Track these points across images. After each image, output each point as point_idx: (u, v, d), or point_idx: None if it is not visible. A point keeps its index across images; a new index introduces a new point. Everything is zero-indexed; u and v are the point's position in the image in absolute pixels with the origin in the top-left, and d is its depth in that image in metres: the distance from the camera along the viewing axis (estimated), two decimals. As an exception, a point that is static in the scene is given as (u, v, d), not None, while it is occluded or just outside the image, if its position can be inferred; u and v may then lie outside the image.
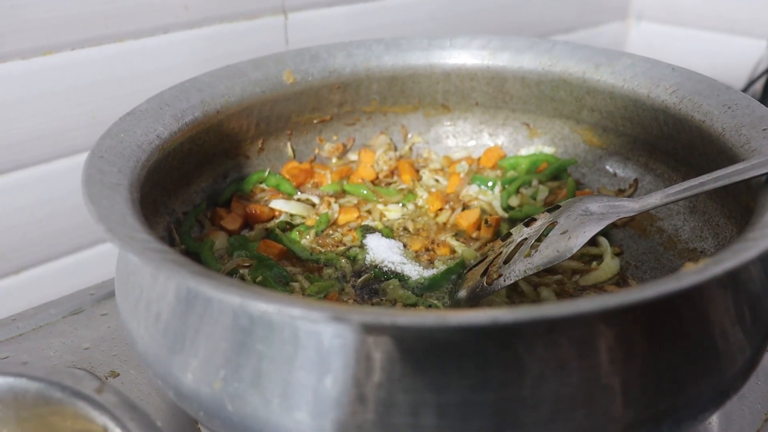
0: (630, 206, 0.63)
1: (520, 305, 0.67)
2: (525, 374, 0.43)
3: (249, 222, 0.79)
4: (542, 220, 0.67)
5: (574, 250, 0.60)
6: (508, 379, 0.42)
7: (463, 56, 0.87)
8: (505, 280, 0.63)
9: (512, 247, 0.66)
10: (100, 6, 0.83)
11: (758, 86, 1.24)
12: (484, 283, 0.65)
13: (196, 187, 0.78)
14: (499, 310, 0.37)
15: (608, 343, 0.44)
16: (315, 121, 0.87)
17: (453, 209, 0.82)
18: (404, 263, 0.72)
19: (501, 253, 0.67)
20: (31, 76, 0.82)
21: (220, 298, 0.45)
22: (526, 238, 0.66)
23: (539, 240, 0.65)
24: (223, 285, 0.41)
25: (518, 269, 0.63)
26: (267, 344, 0.44)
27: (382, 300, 0.68)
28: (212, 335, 0.47)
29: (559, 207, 0.68)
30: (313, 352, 0.43)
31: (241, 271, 0.69)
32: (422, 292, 0.69)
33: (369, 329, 0.41)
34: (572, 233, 0.61)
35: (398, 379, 0.42)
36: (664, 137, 0.76)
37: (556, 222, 0.64)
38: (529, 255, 0.63)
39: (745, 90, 1.26)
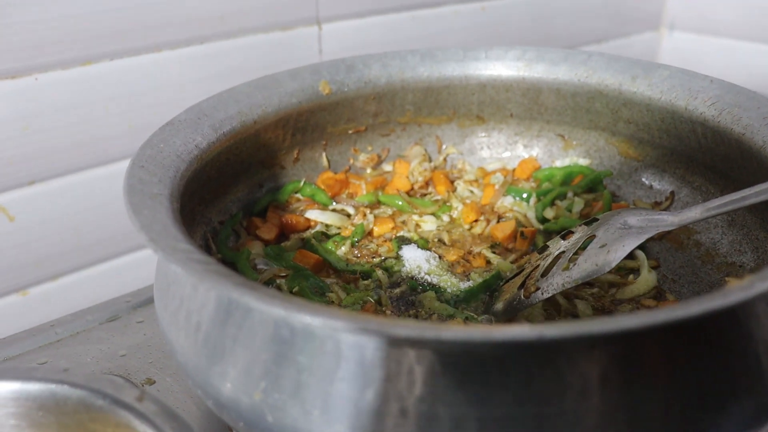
0: (669, 220, 0.62)
1: (564, 320, 0.67)
2: (567, 389, 0.42)
3: (285, 232, 0.79)
4: (580, 233, 0.67)
5: (613, 264, 0.60)
6: (550, 394, 0.42)
7: (499, 67, 0.87)
8: (542, 294, 0.63)
9: (550, 260, 0.66)
10: (139, 17, 0.84)
11: (795, 98, 1.23)
12: (522, 296, 0.64)
13: (233, 197, 0.78)
14: (545, 325, 0.37)
15: (651, 359, 0.43)
16: (350, 132, 0.87)
17: (488, 221, 0.81)
18: (440, 275, 0.72)
19: (538, 266, 0.67)
20: (71, 86, 0.83)
21: (264, 310, 0.45)
22: (563, 252, 0.66)
23: (577, 253, 0.64)
24: (266, 297, 0.41)
25: (556, 283, 0.62)
26: (308, 356, 0.44)
27: (418, 312, 0.67)
28: (252, 346, 0.47)
29: (596, 220, 0.67)
30: (355, 365, 0.43)
31: (277, 281, 0.70)
32: (458, 304, 0.69)
33: (412, 343, 0.41)
34: (611, 247, 0.61)
35: (440, 393, 0.42)
36: (702, 150, 0.76)
37: (594, 235, 0.64)
38: (567, 268, 0.63)
39: (781, 102, 1.25)
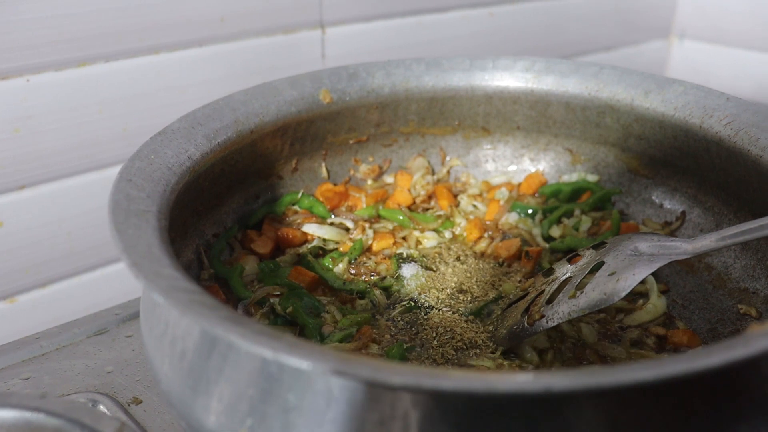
0: (683, 248, 0.59)
1: (568, 347, 0.64)
2: (573, 438, 0.40)
3: (280, 246, 0.76)
4: (587, 258, 0.64)
5: (623, 294, 0.57)
6: (555, 444, 0.39)
7: (506, 78, 0.84)
8: (547, 322, 0.60)
9: (555, 285, 0.63)
10: (135, 18, 0.82)
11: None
12: (525, 324, 0.61)
13: (227, 209, 0.75)
14: (553, 376, 0.34)
15: (664, 409, 0.40)
16: (351, 142, 0.84)
17: (492, 238, 0.78)
18: (440, 296, 0.69)
19: (543, 291, 0.64)
20: (64, 88, 0.80)
21: (249, 350, 0.42)
22: (570, 277, 0.63)
23: (585, 278, 0.61)
24: (252, 335, 0.38)
25: (562, 311, 0.59)
26: (298, 395, 0.42)
27: (418, 335, 0.64)
28: (239, 380, 0.44)
29: (605, 244, 0.64)
30: (347, 407, 0.40)
31: (271, 300, 0.67)
32: (460, 327, 0.66)
33: (408, 388, 0.38)
34: (621, 275, 0.58)
35: (437, 440, 0.39)
36: (715, 169, 0.73)
37: (603, 261, 0.61)
38: (574, 296, 0.60)
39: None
